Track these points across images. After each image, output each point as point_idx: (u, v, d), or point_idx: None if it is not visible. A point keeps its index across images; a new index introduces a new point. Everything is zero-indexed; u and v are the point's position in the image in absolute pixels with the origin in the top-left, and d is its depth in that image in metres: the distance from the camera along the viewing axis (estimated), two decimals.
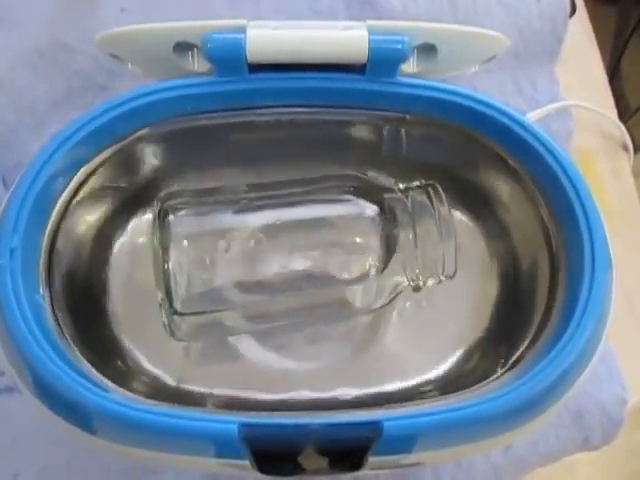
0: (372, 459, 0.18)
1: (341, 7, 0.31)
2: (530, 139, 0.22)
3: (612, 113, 0.35)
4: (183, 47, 0.23)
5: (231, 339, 0.24)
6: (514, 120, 0.22)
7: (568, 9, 0.35)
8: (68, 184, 0.22)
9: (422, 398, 0.23)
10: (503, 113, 0.22)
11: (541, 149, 0.22)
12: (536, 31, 0.34)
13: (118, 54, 0.24)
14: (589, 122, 0.35)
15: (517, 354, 0.21)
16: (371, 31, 0.21)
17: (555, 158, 0.21)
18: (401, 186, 0.24)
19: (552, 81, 0.35)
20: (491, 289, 0.24)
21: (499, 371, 0.21)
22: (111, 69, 0.31)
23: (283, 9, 0.31)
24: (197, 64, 0.23)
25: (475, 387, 0.20)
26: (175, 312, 0.21)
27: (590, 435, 0.28)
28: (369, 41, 0.21)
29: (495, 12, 0.34)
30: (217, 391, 0.23)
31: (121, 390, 0.20)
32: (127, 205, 0.24)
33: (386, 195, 0.23)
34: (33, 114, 0.31)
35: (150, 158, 0.24)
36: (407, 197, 0.23)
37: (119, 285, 0.24)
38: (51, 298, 0.21)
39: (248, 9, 0.32)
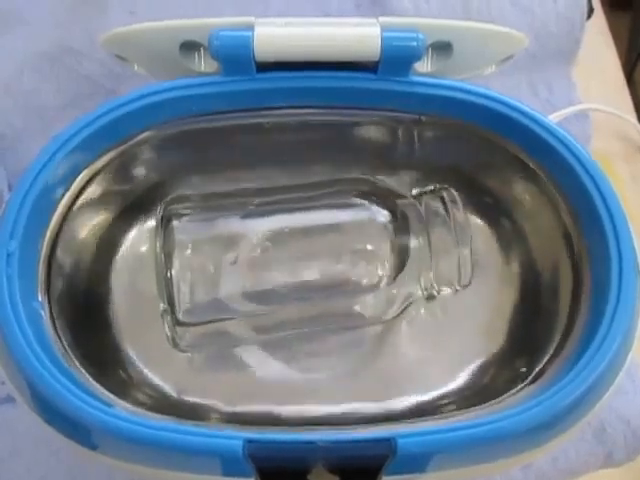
0: (385, 479, 0.17)
1: (351, 8, 0.31)
2: (554, 142, 0.21)
3: (632, 116, 0.34)
4: (189, 47, 0.22)
5: (236, 350, 0.23)
6: (536, 121, 0.21)
7: (585, 10, 0.34)
8: (69, 188, 0.21)
9: (437, 414, 0.21)
10: (525, 114, 0.21)
11: (565, 152, 0.21)
12: (552, 33, 0.34)
13: (123, 55, 0.23)
14: (607, 125, 0.34)
15: (539, 366, 0.20)
16: (384, 28, 0.20)
17: (580, 161, 0.20)
18: (414, 191, 0.23)
19: (569, 84, 0.34)
20: (509, 297, 0.23)
21: (520, 384, 0.20)
22: (119, 73, 0.31)
23: (292, 11, 0.30)
24: (204, 64, 0.22)
25: (494, 402, 0.19)
26: (178, 322, 0.20)
27: (613, 451, 0.27)
28: (382, 38, 0.20)
29: (510, 13, 0.34)
30: (221, 404, 0.22)
31: (122, 402, 0.19)
32: (131, 210, 0.24)
33: (398, 200, 0.23)
34: (40, 118, 0.31)
35: (154, 161, 0.23)
36: (420, 202, 0.23)
37: (122, 293, 0.23)
38: (50, 306, 0.20)
39: (257, 11, 0.31)
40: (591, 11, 0.35)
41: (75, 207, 0.21)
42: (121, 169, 0.22)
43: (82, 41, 0.31)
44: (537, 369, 0.20)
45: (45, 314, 0.19)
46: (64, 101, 0.31)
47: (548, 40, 0.34)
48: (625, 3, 0.65)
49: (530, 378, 0.20)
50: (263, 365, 0.23)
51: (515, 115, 0.21)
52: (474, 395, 0.22)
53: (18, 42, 0.32)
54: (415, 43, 0.20)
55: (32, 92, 0.31)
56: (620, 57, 0.38)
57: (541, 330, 0.21)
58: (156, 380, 0.22)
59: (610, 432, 0.27)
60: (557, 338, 0.20)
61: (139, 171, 0.23)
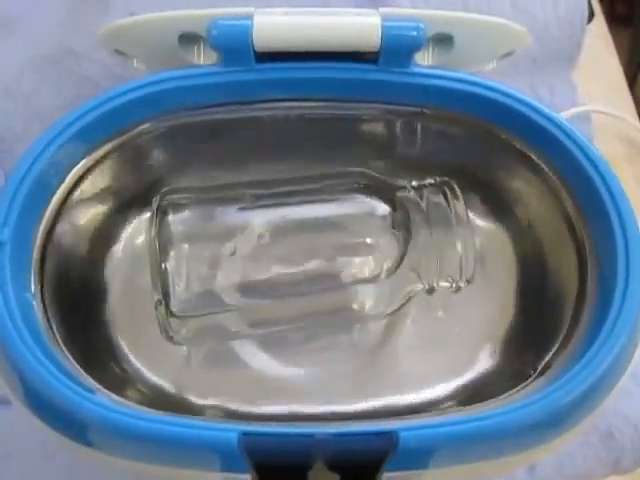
0: (386, 475, 0.17)
1: (350, 4, 0.31)
2: (560, 135, 0.20)
3: (634, 119, 0.34)
4: (189, 39, 0.22)
5: (234, 346, 0.22)
6: (541, 113, 0.21)
7: (586, 14, 0.34)
8: (65, 178, 0.21)
9: (441, 411, 0.21)
10: (531, 107, 0.21)
11: (571, 145, 0.20)
12: (553, 36, 0.34)
13: (122, 49, 0.23)
14: (610, 128, 0.34)
15: (545, 361, 0.20)
16: (384, 18, 0.20)
17: (585, 153, 0.20)
18: (414, 184, 0.23)
19: (570, 87, 0.34)
20: (513, 292, 0.23)
21: (526, 380, 0.19)
22: (120, 74, 0.31)
23: (293, 4, 0.30)
24: (203, 57, 0.22)
25: (500, 397, 0.19)
26: (172, 314, 0.20)
27: (621, 456, 0.26)
28: (382, 27, 0.20)
29: (510, 17, 0.33)
30: (218, 401, 0.21)
31: (116, 398, 0.19)
32: (128, 202, 0.23)
33: (399, 193, 0.22)
34: (40, 120, 0.31)
35: (152, 154, 0.23)
36: (421, 195, 0.22)
37: (118, 286, 0.22)
38: (43, 297, 0.19)
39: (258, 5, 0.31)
40: (592, 15, 0.35)
41: (71, 198, 0.21)
42: (119, 162, 0.22)
43: (83, 43, 0.31)
44: (543, 363, 0.20)
45: (37, 305, 0.19)
46: (64, 103, 0.31)
47: (549, 44, 0.33)
48: (625, 19, 0.66)
49: (536, 373, 0.19)
50: (262, 362, 0.22)
51: (519, 107, 0.21)
52: (479, 393, 0.21)
53: (19, 44, 0.32)
54: (415, 33, 0.20)
55: (32, 94, 0.31)
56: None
57: (546, 324, 0.21)
58: (151, 376, 0.21)
59: (618, 437, 0.26)
60: (563, 332, 0.20)
61: (137, 163, 0.23)
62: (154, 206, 0.21)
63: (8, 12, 0.33)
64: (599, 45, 0.36)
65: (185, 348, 0.22)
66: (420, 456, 0.16)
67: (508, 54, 0.24)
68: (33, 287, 0.19)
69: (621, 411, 0.26)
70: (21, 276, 0.19)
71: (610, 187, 0.20)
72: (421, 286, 0.22)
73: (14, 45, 0.32)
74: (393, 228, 0.22)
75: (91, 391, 0.17)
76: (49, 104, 0.31)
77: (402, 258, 0.21)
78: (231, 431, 0.16)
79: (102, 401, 0.17)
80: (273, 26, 0.20)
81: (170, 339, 0.21)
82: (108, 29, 0.23)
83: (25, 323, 0.18)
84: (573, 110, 0.32)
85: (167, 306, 0.20)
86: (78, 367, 0.19)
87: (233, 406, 0.21)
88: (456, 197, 0.22)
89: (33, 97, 0.31)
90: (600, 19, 0.38)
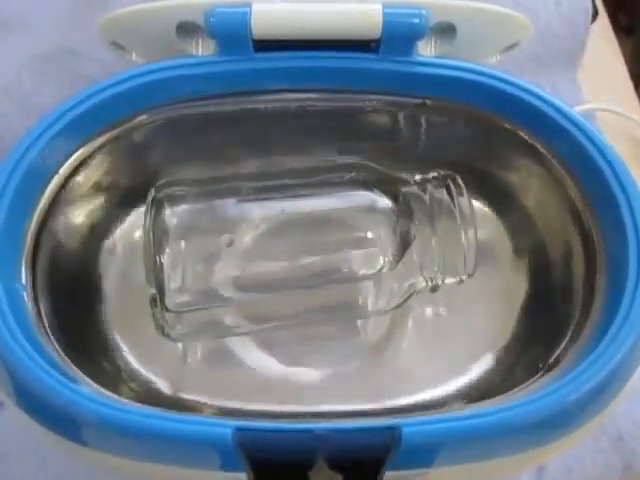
0: (389, 474, 0.16)
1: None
2: (566, 123, 0.20)
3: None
4: (187, 30, 0.22)
5: (231, 344, 0.22)
6: (547, 102, 0.20)
7: (590, 13, 0.34)
8: (58, 170, 0.20)
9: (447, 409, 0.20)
10: (536, 96, 0.21)
11: (577, 133, 0.20)
12: (557, 35, 0.33)
13: (120, 41, 0.23)
14: (615, 127, 0.33)
15: (555, 355, 0.19)
16: (386, 5, 0.20)
17: (593, 142, 0.20)
18: (417, 177, 0.22)
19: (574, 85, 0.34)
20: (520, 286, 0.22)
21: (535, 376, 0.19)
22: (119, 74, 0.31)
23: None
24: (201, 48, 0.22)
25: (507, 394, 0.18)
26: (166, 309, 0.19)
27: (632, 461, 0.25)
28: (383, 14, 0.20)
29: None
30: (215, 399, 0.20)
31: (108, 393, 0.18)
32: (124, 196, 0.23)
33: (402, 187, 0.22)
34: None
35: (148, 147, 0.22)
36: (424, 189, 0.22)
37: (113, 281, 0.22)
38: (34, 289, 0.19)
39: None
40: (595, 14, 0.35)
41: (66, 190, 0.21)
42: (114, 153, 0.22)
43: (83, 42, 0.31)
44: (553, 358, 0.19)
45: (28, 297, 0.18)
46: None
47: (552, 42, 0.33)
48: (628, 29, 0.66)
49: (545, 368, 0.19)
50: (261, 361, 0.22)
51: (526, 96, 0.21)
52: (487, 390, 0.20)
53: (19, 44, 0.32)
54: (418, 20, 0.20)
55: (32, 93, 0.31)
56: None
57: (555, 318, 0.20)
58: (146, 374, 0.21)
59: (628, 441, 0.25)
60: (572, 325, 0.19)
61: (133, 156, 0.22)
62: (150, 198, 0.21)
63: (8, 12, 0.33)
64: (603, 44, 0.36)
65: (181, 345, 0.21)
66: (423, 453, 0.16)
67: (511, 46, 0.24)
68: (24, 278, 0.19)
69: (632, 413, 0.26)
70: (11, 267, 0.18)
71: (619, 176, 0.19)
72: (423, 280, 0.21)
73: (14, 44, 0.32)
74: (396, 222, 0.21)
75: (79, 383, 0.17)
76: (49, 103, 0.30)
77: (403, 252, 0.21)
78: (225, 427, 0.15)
79: (93, 396, 0.16)
80: (272, 13, 0.20)
81: (165, 335, 0.20)
82: (106, 20, 0.23)
83: (13, 313, 0.17)
84: (577, 108, 0.32)
85: (162, 301, 0.19)
86: (69, 361, 0.18)
87: (230, 404, 0.20)
88: (460, 191, 0.21)
89: (33, 97, 0.31)
90: (604, 19, 0.37)
